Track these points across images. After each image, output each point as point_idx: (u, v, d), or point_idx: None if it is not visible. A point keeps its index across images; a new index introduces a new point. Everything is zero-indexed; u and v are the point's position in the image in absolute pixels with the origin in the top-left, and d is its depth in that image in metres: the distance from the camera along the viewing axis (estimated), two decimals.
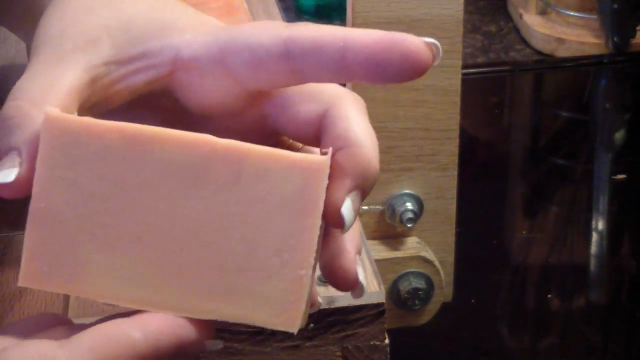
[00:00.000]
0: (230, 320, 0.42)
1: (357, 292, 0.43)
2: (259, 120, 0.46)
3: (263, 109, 0.45)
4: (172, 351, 0.41)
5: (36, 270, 0.41)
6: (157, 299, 0.41)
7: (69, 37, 0.44)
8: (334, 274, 0.43)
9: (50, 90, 0.42)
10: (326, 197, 0.41)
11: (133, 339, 0.40)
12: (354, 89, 0.67)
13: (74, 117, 0.40)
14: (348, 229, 0.42)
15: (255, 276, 0.41)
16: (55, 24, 0.44)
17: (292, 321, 0.41)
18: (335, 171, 0.41)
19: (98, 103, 0.44)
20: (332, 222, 0.41)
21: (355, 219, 0.42)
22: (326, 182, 0.40)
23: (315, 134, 0.44)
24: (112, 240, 0.41)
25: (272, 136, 0.46)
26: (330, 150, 0.41)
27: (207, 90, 0.44)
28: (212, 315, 0.42)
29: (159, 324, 0.41)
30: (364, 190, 0.42)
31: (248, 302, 0.41)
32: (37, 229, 0.41)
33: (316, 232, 0.40)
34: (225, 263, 0.41)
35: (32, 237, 0.41)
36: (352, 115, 0.44)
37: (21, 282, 0.41)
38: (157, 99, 0.46)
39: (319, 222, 0.41)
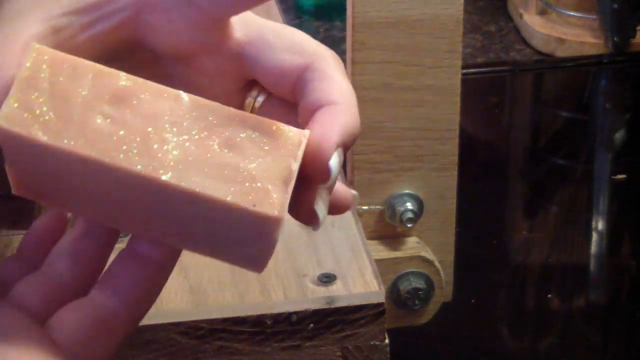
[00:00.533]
0: (207, 255, 0.43)
1: (315, 226, 0.44)
2: (236, 63, 0.45)
3: (241, 49, 0.45)
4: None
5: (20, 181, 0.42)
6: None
7: None
8: (294, 207, 0.43)
9: (8, 40, 0.41)
10: (315, 152, 0.41)
11: None
12: (353, 85, 0.67)
13: (24, 133, 0.40)
14: (332, 182, 0.42)
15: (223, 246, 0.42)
16: None
17: (261, 267, 0.42)
18: (321, 126, 0.42)
19: None
20: (319, 176, 0.42)
21: (338, 173, 0.43)
22: (279, 233, 0.41)
23: (291, 86, 0.45)
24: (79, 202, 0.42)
25: (248, 82, 0.46)
26: (287, 199, 0.40)
27: (174, 27, 0.44)
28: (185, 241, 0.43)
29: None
30: (347, 146, 0.43)
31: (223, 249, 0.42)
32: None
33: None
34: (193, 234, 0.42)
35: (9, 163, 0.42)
36: (335, 74, 0.44)
37: (15, 191, 0.43)
38: (129, 54, 0.45)
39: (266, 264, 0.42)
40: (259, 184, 0.40)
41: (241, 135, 0.40)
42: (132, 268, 0.42)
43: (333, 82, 0.44)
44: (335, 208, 0.46)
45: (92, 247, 0.44)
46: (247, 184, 0.39)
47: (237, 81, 0.46)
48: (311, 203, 0.43)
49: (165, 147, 0.40)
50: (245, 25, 0.45)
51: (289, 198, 0.40)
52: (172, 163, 0.39)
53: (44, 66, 0.40)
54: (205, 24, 0.44)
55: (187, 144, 0.40)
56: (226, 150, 0.40)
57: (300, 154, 0.41)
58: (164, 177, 0.39)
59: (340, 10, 1.36)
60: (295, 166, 0.40)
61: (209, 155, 0.40)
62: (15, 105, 0.40)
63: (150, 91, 0.41)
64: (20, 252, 0.46)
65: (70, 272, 0.43)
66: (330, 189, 0.44)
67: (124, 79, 0.41)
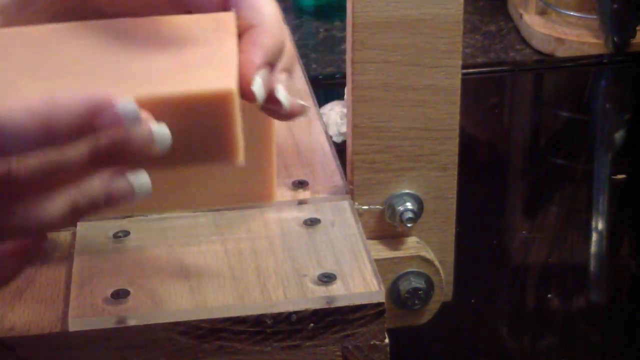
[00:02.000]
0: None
1: (278, 108, 0.49)
2: None
3: None
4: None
5: None
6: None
7: None
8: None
9: None
10: (241, 80, 0.45)
11: None
12: (354, 88, 0.67)
13: None
14: (262, 102, 0.47)
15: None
16: None
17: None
18: (244, 54, 0.46)
19: None
20: (248, 99, 0.46)
21: (266, 94, 0.47)
22: (236, 108, 0.44)
23: (221, 7, 0.49)
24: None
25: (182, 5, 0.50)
26: (234, 71, 0.44)
27: None
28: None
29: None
30: (273, 63, 0.47)
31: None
32: None
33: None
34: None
35: None
36: None
37: None
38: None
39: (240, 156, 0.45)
40: (204, 69, 0.44)
41: (172, 36, 0.45)
42: None
43: (254, 5, 0.48)
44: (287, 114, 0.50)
45: None
46: (191, 74, 0.43)
47: (171, 7, 0.50)
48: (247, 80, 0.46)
49: (99, 70, 0.44)
50: None
51: (235, 70, 0.44)
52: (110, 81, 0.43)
53: None
54: None
55: (121, 60, 0.44)
56: (164, 55, 0.44)
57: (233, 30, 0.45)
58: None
59: (340, 10, 1.35)
60: (233, 41, 0.45)
61: (148, 64, 0.43)
62: None
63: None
64: None
65: None
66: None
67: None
